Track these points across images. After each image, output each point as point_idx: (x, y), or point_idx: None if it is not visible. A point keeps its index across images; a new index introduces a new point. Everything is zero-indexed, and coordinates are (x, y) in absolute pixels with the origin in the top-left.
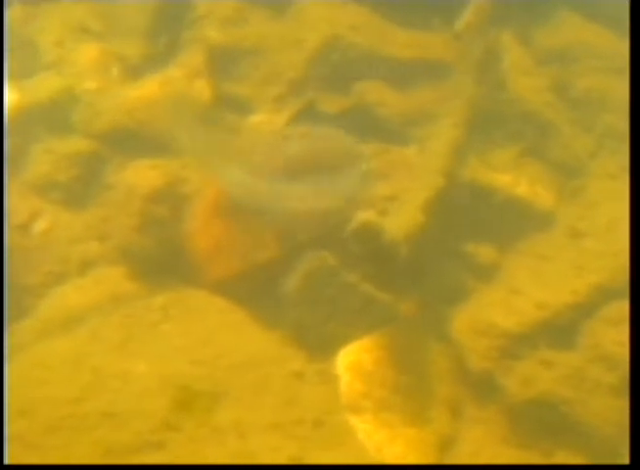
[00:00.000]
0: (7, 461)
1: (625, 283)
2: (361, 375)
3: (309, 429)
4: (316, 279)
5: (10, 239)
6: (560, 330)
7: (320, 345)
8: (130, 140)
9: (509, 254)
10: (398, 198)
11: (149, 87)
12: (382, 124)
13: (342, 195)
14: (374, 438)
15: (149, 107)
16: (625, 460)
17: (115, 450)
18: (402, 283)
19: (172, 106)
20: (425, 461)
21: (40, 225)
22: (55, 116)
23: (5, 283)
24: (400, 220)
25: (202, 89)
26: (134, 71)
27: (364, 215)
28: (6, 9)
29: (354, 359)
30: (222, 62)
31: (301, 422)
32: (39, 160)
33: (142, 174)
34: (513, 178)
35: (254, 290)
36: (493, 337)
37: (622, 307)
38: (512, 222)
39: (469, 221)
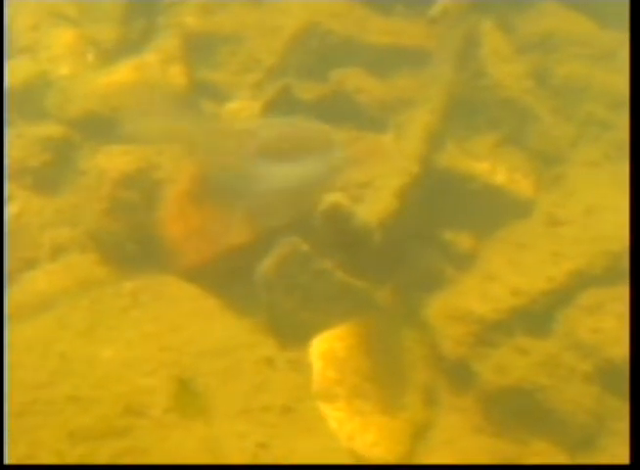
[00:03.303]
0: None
1: (602, 270)
2: (334, 363)
3: (277, 415)
4: (289, 266)
5: None
6: (535, 317)
7: (293, 332)
8: (103, 126)
9: (486, 241)
10: (373, 184)
11: (123, 73)
12: (360, 111)
13: (313, 179)
14: (346, 425)
15: (122, 92)
16: (600, 448)
17: (81, 435)
18: (378, 270)
19: (146, 91)
20: (397, 449)
21: (11, 210)
22: (28, 100)
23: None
24: (374, 206)
25: (177, 75)
26: (108, 57)
27: (333, 197)
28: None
29: (328, 347)
30: (199, 48)
31: (270, 408)
32: (11, 144)
33: (114, 160)
34: (491, 166)
35: (226, 276)
36: (469, 323)
37: (598, 295)
38: (490, 210)
39: (447, 209)
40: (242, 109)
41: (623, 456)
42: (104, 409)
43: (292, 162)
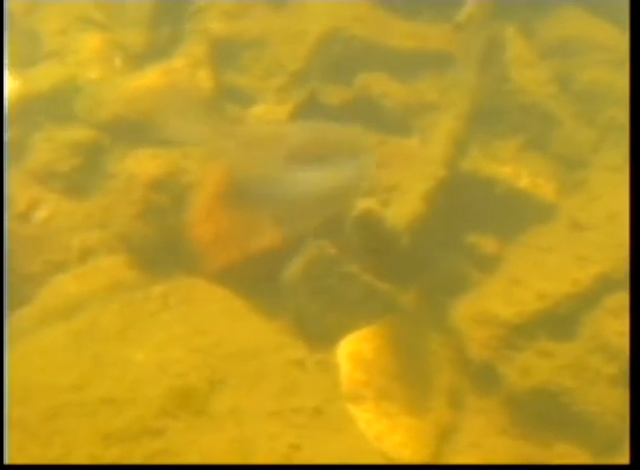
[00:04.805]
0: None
1: (627, 274)
2: (362, 364)
3: (308, 417)
4: (316, 268)
5: (10, 228)
6: (561, 320)
7: (320, 334)
8: (132, 129)
9: (510, 245)
10: (400, 188)
11: (151, 77)
12: (384, 115)
13: (343, 184)
14: (374, 427)
15: (151, 97)
16: (625, 451)
17: (115, 437)
18: (403, 273)
19: (174, 95)
20: (424, 451)
21: (41, 214)
22: (56, 105)
23: (5, 271)
24: (402, 210)
25: (204, 80)
26: (136, 61)
27: (366, 203)
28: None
29: (355, 349)
30: (224, 53)
31: (300, 410)
32: (40, 148)
33: (143, 163)
34: (515, 170)
35: (255, 279)
36: (494, 327)
37: (623, 298)
38: (513, 214)
39: (471, 213)
40: (267, 113)
41: None
42: (136, 411)
43: (321, 166)
